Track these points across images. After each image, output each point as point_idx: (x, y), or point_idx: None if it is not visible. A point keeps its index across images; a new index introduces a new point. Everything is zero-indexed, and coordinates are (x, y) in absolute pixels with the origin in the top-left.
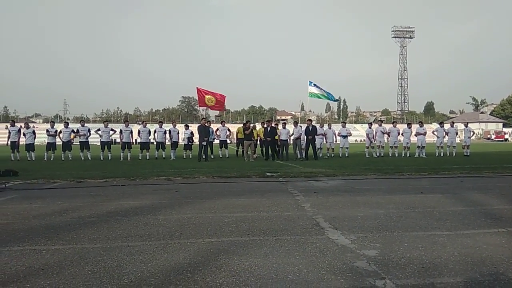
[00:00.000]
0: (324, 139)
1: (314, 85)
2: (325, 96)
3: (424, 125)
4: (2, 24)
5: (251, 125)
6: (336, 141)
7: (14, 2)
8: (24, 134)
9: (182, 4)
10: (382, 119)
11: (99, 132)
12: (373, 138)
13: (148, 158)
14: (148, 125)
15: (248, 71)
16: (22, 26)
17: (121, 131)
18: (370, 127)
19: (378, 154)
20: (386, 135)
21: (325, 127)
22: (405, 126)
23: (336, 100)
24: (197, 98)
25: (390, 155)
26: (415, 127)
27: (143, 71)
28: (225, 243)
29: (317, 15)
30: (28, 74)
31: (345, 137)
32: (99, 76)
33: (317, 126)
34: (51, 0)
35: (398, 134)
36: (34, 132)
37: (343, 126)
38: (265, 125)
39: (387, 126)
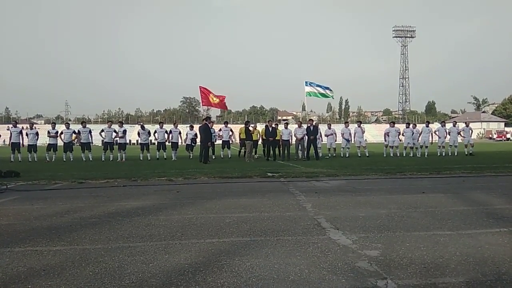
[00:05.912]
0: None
1: (310, 84)
2: (321, 94)
3: (417, 126)
4: (2, 25)
5: (252, 125)
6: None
7: (14, 3)
8: (27, 135)
9: (182, 4)
10: (360, 120)
11: (103, 133)
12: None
13: (149, 158)
14: (146, 126)
15: (249, 71)
16: (22, 27)
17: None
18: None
19: (360, 154)
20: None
21: (326, 127)
22: (405, 126)
23: (330, 97)
24: (198, 98)
25: (392, 155)
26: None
27: (143, 72)
28: (227, 244)
29: (317, 15)
30: (29, 77)
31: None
32: (99, 77)
33: (320, 126)
34: (51, 2)
35: (398, 134)
36: (37, 133)
37: (346, 127)
38: (268, 125)
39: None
